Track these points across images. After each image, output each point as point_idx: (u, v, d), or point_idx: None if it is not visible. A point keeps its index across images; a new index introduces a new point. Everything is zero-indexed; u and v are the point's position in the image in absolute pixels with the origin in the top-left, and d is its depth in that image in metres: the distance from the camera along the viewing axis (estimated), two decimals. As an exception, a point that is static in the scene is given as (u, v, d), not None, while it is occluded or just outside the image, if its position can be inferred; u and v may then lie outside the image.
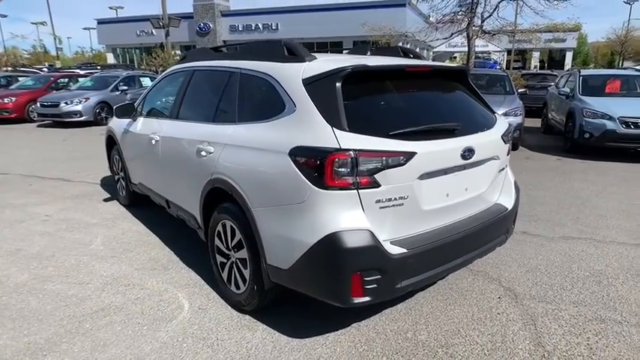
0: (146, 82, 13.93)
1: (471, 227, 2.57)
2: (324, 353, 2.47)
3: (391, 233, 2.25)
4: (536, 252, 3.84)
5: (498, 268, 3.51)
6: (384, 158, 2.14)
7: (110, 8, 53.94)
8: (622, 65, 36.43)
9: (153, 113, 4.12)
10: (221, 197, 2.89)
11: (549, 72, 17.86)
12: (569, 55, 45.83)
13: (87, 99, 12.05)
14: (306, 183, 2.16)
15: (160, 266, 3.57)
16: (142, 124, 4.15)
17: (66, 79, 15.36)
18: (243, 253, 2.71)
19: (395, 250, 2.20)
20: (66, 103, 11.90)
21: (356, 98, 2.31)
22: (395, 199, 2.22)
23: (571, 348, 2.53)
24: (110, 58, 42.58)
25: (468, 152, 2.45)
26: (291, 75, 2.48)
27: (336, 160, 2.07)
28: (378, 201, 2.17)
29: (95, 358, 2.43)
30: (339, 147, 2.08)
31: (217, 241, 3.02)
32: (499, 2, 13.33)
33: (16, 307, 2.96)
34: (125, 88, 12.92)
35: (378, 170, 2.13)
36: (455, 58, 52.41)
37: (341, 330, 2.69)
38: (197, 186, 3.07)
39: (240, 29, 36.59)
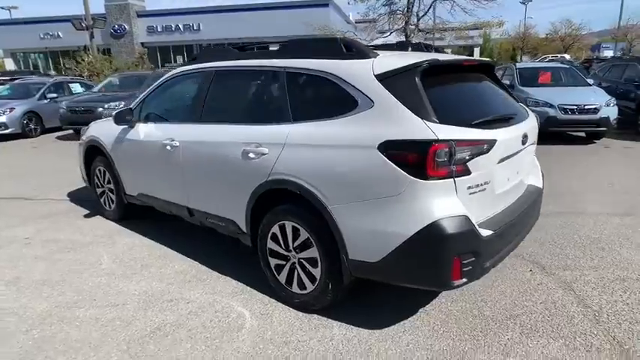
0: (76, 88, 12.83)
1: (523, 207, 2.81)
2: (411, 340, 2.56)
3: (477, 217, 2.39)
4: (539, 227, 4.22)
5: (516, 245, 3.82)
6: (473, 146, 2.27)
7: (2, 8, 48.41)
8: (521, 59, 40.53)
9: (160, 118, 3.88)
10: (277, 198, 2.85)
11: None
12: (476, 51, 49.93)
13: (11, 109, 10.79)
14: (403, 175, 2.22)
15: (192, 278, 3.40)
16: (146, 131, 3.89)
17: (-27, 89, 13.60)
18: (312, 252, 2.70)
19: (484, 232, 2.35)
20: (-15, 114, 10.57)
21: (431, 91, 2.41)
22: (480, 184, 2.36)
23: (612, 305, 2.87)
24: (9, 64, 38.28)
25: (524, 138, 2.67)
26: (359, 71, 2.52)
27: (437, 150, 2.16)
28: (469, 187, 2.31)
29: (183, 378, 2.29)
30: (437, 138, 2.17)
31: (271, 244, 2.96)
32: (433, 2, 14.22)
33: (55, 338, 2.67)
34: (54, 95, 11.76)
35: (469, 158, 2.27)
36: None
37: (412, 317, 2.79)
38: (243, 189, 2.98)
39: (159, 30, 34.85)
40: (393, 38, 22.74)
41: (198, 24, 33.95)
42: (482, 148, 2.32)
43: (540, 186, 3.22)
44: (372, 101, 2.41)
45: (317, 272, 2.72)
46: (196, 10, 33.92)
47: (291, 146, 2.69)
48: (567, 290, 3.07)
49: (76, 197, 5.64)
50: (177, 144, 3.49)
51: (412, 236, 2.24)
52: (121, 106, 10.09)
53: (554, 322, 2.70)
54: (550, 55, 34.58)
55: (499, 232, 2.44)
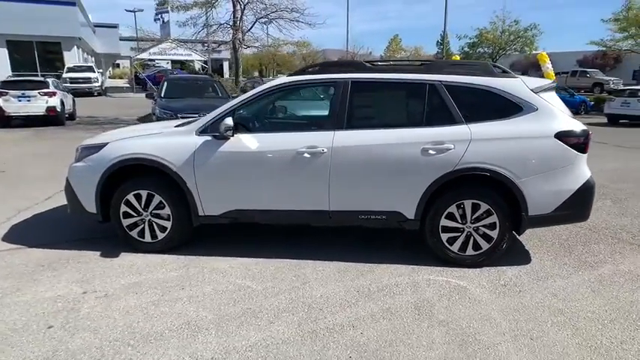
0: None
1: None
2: (554, 265, 3.88)
3: None
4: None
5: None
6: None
7: None
8: (273, 74, 45.75)
9: (276, 127, 3.83)
10: (452, 184, 3.63)
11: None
12: (225, 65, 53.15)
13: None
14: (573, 152, 3.54)
15: (360, 272, 3.67)
16: (261, 141, 3.73)
17: None
18: (491, 219, 3.66)
19: None
20: None
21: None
22: (584, 156, 3.89)
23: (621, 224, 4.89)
24: None
25: None
26: (517, 86, 3.65)
27: (590, 136, 3.58)
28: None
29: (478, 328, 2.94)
30: (587, 129, 3.59)
31: (445, 222, 3.71)
32: (255, 22, 15.41)
33: (367, 346, 2.71)
34: None
35: (587, 140, 3.76)
36: (118, 65, 50.39)
37: (535, 257, 4.10)
38: (420, 181, 3.62)
39: None
40: (156, 50, 22.73)
41: None
42: (588, 135, 3.86)
43: None
44: (535, 106, 3.60)
45: (494, 233, 3.68)
46: None
47: (477, 141, 3.56)
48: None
49: (33, 242, 4.22)
50: (325, 150, 3.65)
51: (576, 190, 3.58)
52: None
53: (608, 239, 4.52)
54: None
55: None
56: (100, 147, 3.98)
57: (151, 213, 3.96)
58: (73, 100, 16.44)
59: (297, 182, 3.76)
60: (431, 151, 3.57)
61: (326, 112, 3.85)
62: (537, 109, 3.61)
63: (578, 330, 2.83)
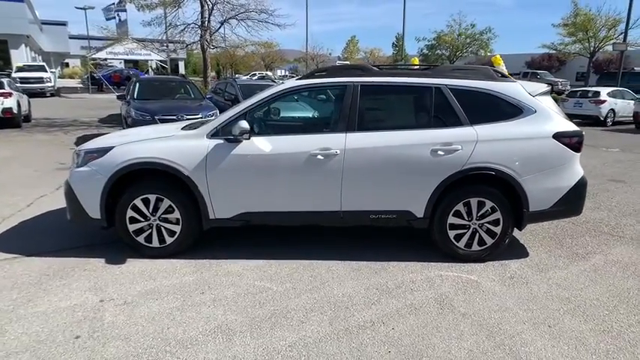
0: None
1: None
2: (549, 257, 4.15)
3: None
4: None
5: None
6: (580, 134, 4.07)
7: None
8: (231, 74, 45.11)
9: (286, 130, 3.85)
10: (459, 183, 3.81)
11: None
12: (181, 65, 51.91)
13: None
14: (569, 151, 3.81)
15: (374, 270, 3.78)
16: (274, 144, 3.75)
17: None
18: (495, 216, 3.87)
19: None
20: None
21: (545, 103, 4.06)
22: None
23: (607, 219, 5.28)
24: None
25: None
26: (516, 90, 3.88)
27: (583, 136, 3.86)
28: (578, 156, 4.09)
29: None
30: (580, 130, 3.87)
31: (452, 220, 3.89)
32: (222, 22, 15.11)
33: (422, 344, 2.82)
34: None
35: (578, 141, 4.06)
36: (67, 64, 47.95)
37: (530, 250, 4.37)
38: (430, 181, 3.77)
39: None
40: (118, 49, 22.23)
41: None
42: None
43: None
44: (534, 109, 3.84)
45: (497, 229, 3.89)
46: None
47: (483, 142, 3.75)
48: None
49: (29, 250, 4.02)
50: (338, 152, 3.72)
51: (572, 186, 3.86)
52: None
53: (591, 232, 4.86)
54: (258, 72, 40.17)
55: None
56: (105, 151, 3.85)
57: (159, 217, 3.88)
58: (29, 102, 15.54)
59: (310, 184, 3.81)
60: (440, 152, 3.73)
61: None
62: (536, 112, 3.85)
63: (588, 316, 3.07)
